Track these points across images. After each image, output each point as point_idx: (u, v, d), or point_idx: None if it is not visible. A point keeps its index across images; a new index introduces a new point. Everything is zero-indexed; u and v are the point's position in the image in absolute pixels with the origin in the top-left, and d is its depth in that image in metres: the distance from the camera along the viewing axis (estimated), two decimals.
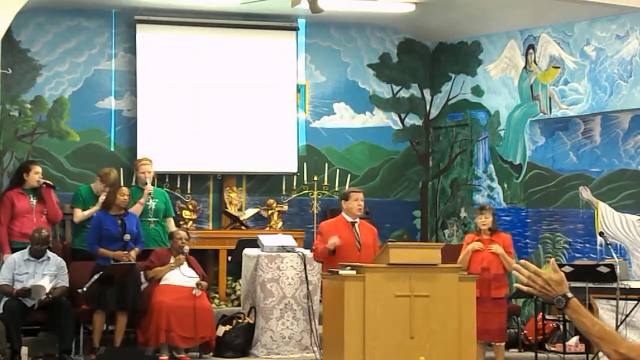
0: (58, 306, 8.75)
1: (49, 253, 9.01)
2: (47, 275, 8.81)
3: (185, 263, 9.20)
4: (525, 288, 3.18)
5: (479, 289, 8.52)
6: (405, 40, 12.04)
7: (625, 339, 9.44)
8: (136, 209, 9.56)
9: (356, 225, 8.49)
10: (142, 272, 9.07)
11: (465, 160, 11.68)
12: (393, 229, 11.66)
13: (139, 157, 10.23)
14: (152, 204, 9.71)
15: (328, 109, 11.75)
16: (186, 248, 9.23)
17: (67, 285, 8.96)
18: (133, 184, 10.39)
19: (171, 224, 9.88)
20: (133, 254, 9.04)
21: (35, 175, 9.38)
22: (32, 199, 9.35)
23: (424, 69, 12.08)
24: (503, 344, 8.94)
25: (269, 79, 11.31)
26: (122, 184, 10.41)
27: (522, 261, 3.27)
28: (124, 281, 8.83)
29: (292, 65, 11.40)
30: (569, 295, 3.15)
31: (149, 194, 9.66)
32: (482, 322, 8.46)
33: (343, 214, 8.53)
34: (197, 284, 8.96)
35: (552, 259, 3.44)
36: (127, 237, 9.00)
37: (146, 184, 9.68)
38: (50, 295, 8.73)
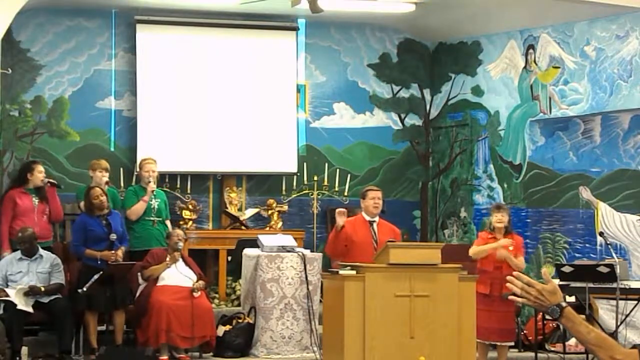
0: (58, 306, 8.76)
1: (42, 251, 8.97)
2: (13, 288, 8.72)
3: (182, 261, 9.18)
4: (519, 299, 3.19)
5: (490, 286, 8.52)
6: (405, 40, 12.03)
7: (626, 339, 9.35)
8: (139, 207, 9.56)
9: (374, 224, 8.52)
10: (139, 273, 9.06)
11: (465, 160, 11.68)
12: None
13: (143, 156, 10.13)
14: (154, 203, 9.68)
15: (328, 109, 11.75)
16: (180, 245, 9.19)
17: (62, 282, 8.95)
18: (133, 183, 10.39)
19: (169, 227, 9.84)
20: (120, 253, 9.01)
21: (39, 175, 9.36)
22: (34, 199, 9.32)
23: (424, 69, 12.08)
24: (508, 344, 8.94)
25: (269, 79, 11.31)
26: (122, 183, 10.45)
27: (514, 273, 3.28)
28: (111, 280, 8.83)
29: (292, 65, 11.40)
30: (563, 304, 3.16)
31: (152, 191, 9.65)
32: (492, 321, 8.46)
33: (362, 212, 8.62)
34: (195, 288, 8.93)
35: (544, 269, 3.46)
36: (113, 236, 8.95)
37: (149, 182, 9.66)
38: (43, 289, 8.72)
